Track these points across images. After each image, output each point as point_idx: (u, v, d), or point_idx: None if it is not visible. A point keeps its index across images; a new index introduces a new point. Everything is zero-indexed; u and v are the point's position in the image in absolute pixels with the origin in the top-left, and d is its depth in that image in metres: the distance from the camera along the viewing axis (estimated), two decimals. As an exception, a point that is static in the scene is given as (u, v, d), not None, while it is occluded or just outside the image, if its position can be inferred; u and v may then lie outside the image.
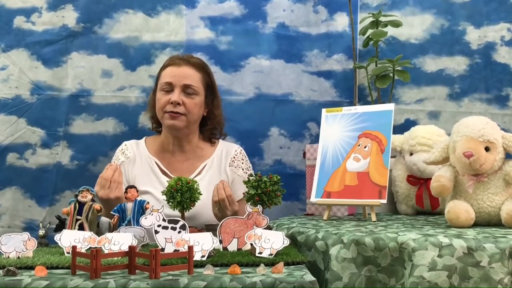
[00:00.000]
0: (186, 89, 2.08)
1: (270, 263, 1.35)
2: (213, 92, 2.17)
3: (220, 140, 2.22)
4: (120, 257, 1.37)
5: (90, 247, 1.44)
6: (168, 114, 2.06)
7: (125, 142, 2.19)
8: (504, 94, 2.44)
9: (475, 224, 1.63)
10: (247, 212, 1.55)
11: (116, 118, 2.42)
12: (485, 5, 2.46)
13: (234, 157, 2.15)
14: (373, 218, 1.78)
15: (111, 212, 1.64)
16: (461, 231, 1.50)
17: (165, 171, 2.11)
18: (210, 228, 1.65)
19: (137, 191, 1.66)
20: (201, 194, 1.64)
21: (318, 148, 1.96)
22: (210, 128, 2.18)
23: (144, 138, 2.22)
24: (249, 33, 2.49)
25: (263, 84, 2.49)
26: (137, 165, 2.12)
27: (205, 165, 2.13)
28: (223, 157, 2.15)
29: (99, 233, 1.60)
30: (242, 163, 2.16)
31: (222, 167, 2.14)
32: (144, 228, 1.51)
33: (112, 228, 1.63)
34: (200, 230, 1.64)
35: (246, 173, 2.12)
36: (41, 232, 1.69)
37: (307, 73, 2.50)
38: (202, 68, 2.14)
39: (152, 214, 1.49)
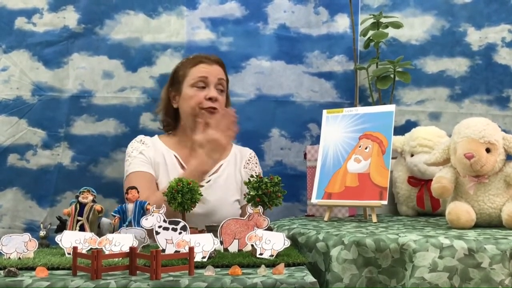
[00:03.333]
0: (218, 86, 2.13)
1: (271, 264, 1.35)
2: (227, 90, 2.23)
3: (232, 143, 2.24)
4: (121, 258, 1.37)
5: (91, 248, 1.44)
6: (207, 111, 2.08)
7: (138, 137, 2.18)
8: (505, 95, 2.44)
9: (476, 226, 1.63)
10: (248, 213, 1.55)
11: (117, 119, 2.42)
12: (486, 6, 2.46)
13: (249, 160, 2.20)
14: (374, 219, 1.78)
15: (112, 213, 1.64)
16: (462, 232, 1.50)
17: (183, 165, 2.11)
18: (211, 229, 1.65)
19: (138, 192, 1.65)
20: (201, 195, 1.64)
21: (319, 149, 1.96)
22: None
23: (155, 136, 2.22)
24: (250, 34, 2.49)
25: (264, 85, 2.49)
26: (157, 156, 2.11)
27: (221, 164, 2.15)
28: (238, 158, 2.19)
29: (100, 234, 1.60)
30: (256, 166, 2.21)
31: (237, 168, 2.17)
32: (145, 229, 1.51)
33: (113, 229, 1.63)
34: (201, 231, 1.64)
35: None
36: (42, 233, 1.69)
37: (308, 74, 2.50)
38: (224, 67, 2.21)
39: (153, 215, 1.49)
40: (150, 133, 2.27)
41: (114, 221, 1.62)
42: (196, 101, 2.10)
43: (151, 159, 2.10)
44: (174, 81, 2.19)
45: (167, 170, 2.09)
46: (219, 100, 2.11)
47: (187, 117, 2.14)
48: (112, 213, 1.64)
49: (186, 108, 2.13)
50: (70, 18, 2.40)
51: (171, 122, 2.20)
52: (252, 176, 1.63)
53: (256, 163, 2.22)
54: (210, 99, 2.09)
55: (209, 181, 2.10)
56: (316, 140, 2.40)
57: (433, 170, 1.82)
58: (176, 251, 1.39)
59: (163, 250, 1.43)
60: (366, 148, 1.86)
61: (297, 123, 2.49)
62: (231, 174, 2.15)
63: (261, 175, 2.14)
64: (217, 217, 1.96)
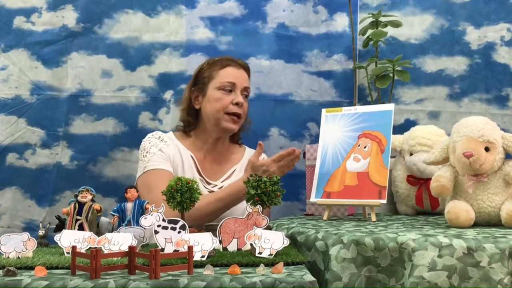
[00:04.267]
0: (244, 92, 2.12)
1: (270, 263, 1.35)
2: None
3: (245, 146, 2.25)
4: (120, 257, 1.37)
5: (90, 247, 1.44)
6: (230, 117, 2.07)
7: (154, 132, 2.14)
8: (504, 94, 2.44)
9: (475, 224, 1.63)
10: (247, 212, 1.55)
11: (116, 118, 2.42)
12: (485, 5, 2.46)
13: None
14: (373, 218, 1.78)
15: (111, 213, 1.64)
16: (461, 231, 1.50)
17: (198, 168, 2.11)
18: (210, 228, 1.65)
19: (137, 191, 1.65)
20: (200, 194, 1.64)
21: (318, 148, 1.96)
22: (240, 132, 2.21)
23: (169, 132, 2.19)
24: (249, 33, 2.49)
25: (263, 84, 2.49)
26: (176, 155, 2.08)
27: (234, 170, 2.15)
28: None
29: (99, 233, 1.60)
30: None
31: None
32: (144, 228, 1.51)
33: (112, 228, 1.63)
34: (200, 231, 1.64)
35: None
36: (41, 232, 1.69)
37: (307, 73, 2.50)
38: (249, 73, 2.19)
39: (152, 214, 1.49)
40: (149, 132, 2.26)
41: (113, 220, 1.62)
42: (222, 104, 2.07)
43: (170, 157, 2.07)
44: (198, 81, 2.15)
45: (183, 171, 2.07)
46: (244, 107, 2.10)
47: (209, 120, 2.10)
48: (111, 212, 1.64)
49: (210, 110, 2.09)
50: (69, 17, 2.40)
51: (193, 122, 2.16)
52: (251, 175, 1.63)
53: None
54: (236, 104, 2.07)
55: (221, 186, 2.10)
56: (315, 139, 2.41)
57: (432, 169, 1.82)
58: (175, 250, 1.39)
59: (162, 249, 1.43)
60: (365, 147, 1.86)
61: (296, 122, 2.49)
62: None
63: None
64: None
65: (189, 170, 2.07)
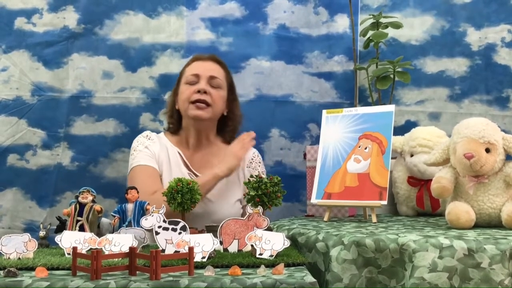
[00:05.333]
0: (212, 81, 2.11)
1: (270, 264, 1.35)
2: (233, 92, 2.21)
3: None
4: (120, 258, 1.37)
5: (91, 248, 1.44)
6: (194, 105, 2.08)
7: (144, 132, 2.19)
8: (504, 95, 2.44)
9: (476, 226, 1.63)
10: (248, 214, 1.55)
11: (116, 119, 2.42)
12: (486, 7, 2.46)
13: (252, 159, 2.20)
14: (374, 219, 1.78)
15: (112, 214, 1.64)
16: (462, 233, 1.50)
17: (186, 163, 2.12)
18: (210, 229, 1.65)
19: (138, 192, 1.65)
20: (201, 195, 1.64)
21: (319, 149, 1.96)
22: (231, 130, 2.21)
23: (161, 133, 2.22)
24: (249, 34, 2.50)
25: (263, 85, 2.49)
26: (162, 152, 2.12)
27: None
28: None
29: (99, 234, 1.60)
30: (259, 166, 2.21)
31: (240, 167, 2.15)
32: (145, 229, 1.51)
33: (113, 229, 1.63)
34: (200, 231, 1.64)
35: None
36: (42, 233, 1.69)
37: (308, 74, 2.51)
38: (225, 66, 2.20)
39: (152, 215, 1.49)
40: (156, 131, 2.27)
41: (114, 221, 1.62)
42: (186, 96, 2.10)
43: (155, 154, 2.10)
44: (177, 83, 2.20)
45: (170, 166, 2.10)
46: (210, 94, 2.09)
47: (183, 115, 2.15)
48: (112, 213, 1.64)
49: (180, 104, 2.14)
50: (69, 18, 2.40)
51: (176, 123, 2.19)
52: (251, 176, 1.63)
53: (260, 162, 2.22)
54: (199, 91, 2.08)
55: None
56: (315, 140, 2.40)
57: (433, 170, 1.82)
58: (175, 251, 1.39)
59: (163, 250, 1.43)
60: (365, 148, 1.86)
61: (297, 123, 2.49)
62: (234, 173, 2.14)
63: (265, 173, 2.18)
64: (217, 216, 1.97)
65: (176, 166, 2.10)
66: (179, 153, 2.13)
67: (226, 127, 2.20)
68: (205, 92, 2.07)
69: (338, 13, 2.52)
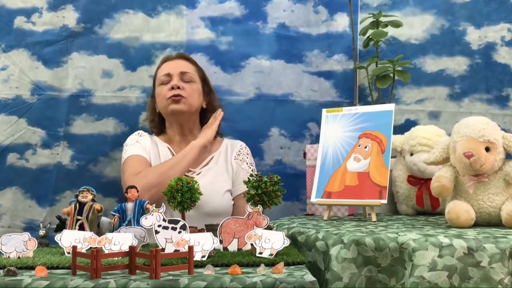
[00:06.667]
0: (183, 76, 2.19)
1: (270, 263, 1.35)
2: (208, 85, 2.28)
3: (224, 138, 2.31)
4: (120, 257, 1.37)
5: (91, 247, 1.44)
6: (171, 99, 2.14)
7: (136, 131, 2.27)
8: (504, 94, 2.44)
9: (476, 224, 1.63)
10: (248, 212, 1.55)
11: (116, 118, 2.42)
12: (486, 6, 2.46)
13: (239, 151, 2.24)
14: (374, 218, 1.78)
15: (112, 213, 1.64)
16: (462, 231, 1.50)
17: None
18: (210, 228, 1.65)
19: (137, 191, 1.66)
20: (201, 194, 1.64)
21: (319, 148, 1.96)
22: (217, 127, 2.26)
23: (153, 134, 2.29)
24: (249, 33, 2.49)
25: (263, 84, 2.49)
26: (152, 146, 2.19)
27: (212, 157, 2.20)
28: (229, 151, 2.24)
29: (99, 233, 1.60)
30: (247, 157, 2.25)
31: (228, 159, 2.21)
32: (145, 228, 1.51)
33: (113, 228, 1.63)
34: (200, 230, 1.64)
35: (250, 167, 2.22)
36: (42, 232, 1.69)
37: (308, 73, 2.50)
38: (195, 62, 2.29)
39: (152, 214, 1.49)
40: (149, 132, 2.29)
41: (114, 220, 1.62)
42: (162, 95, 2.18)
43: (146, 147, 2.18)
44: (153, 87, 2.28)
45: (160, 160, 2.15)
46: (184, 88, 2.16)
47: (163, 114, 2.22)
48: (112, 212, 1.64)
49: (159, 105, 2.22)
50: (69, 17, 2.40)
51: (159, 126, 2.28)
52: (251, 175, 1.63)
53: (247, 153, 2.26)
54: (172, 88, 2.15)
55: (199, 173, 2.15)
56: (315, 139, 2.40)
57: (433, 169, 1.82)
58: (175, 250, 1.39)
59: (163, 249, 1.43)
60: (365, 147, 1.86)
61: (297, 122, 2.49)
62: (221, 165, 2.19)
63: (253, 164, 2.21)
64: (208, 208, 2.02)
65: (166, 159, 2.15)
66: (168, 148, 2.20)
67: (207, 120, 2.25)
68: (178, 88, 2.14)
69: (338, 12, 2.51)
